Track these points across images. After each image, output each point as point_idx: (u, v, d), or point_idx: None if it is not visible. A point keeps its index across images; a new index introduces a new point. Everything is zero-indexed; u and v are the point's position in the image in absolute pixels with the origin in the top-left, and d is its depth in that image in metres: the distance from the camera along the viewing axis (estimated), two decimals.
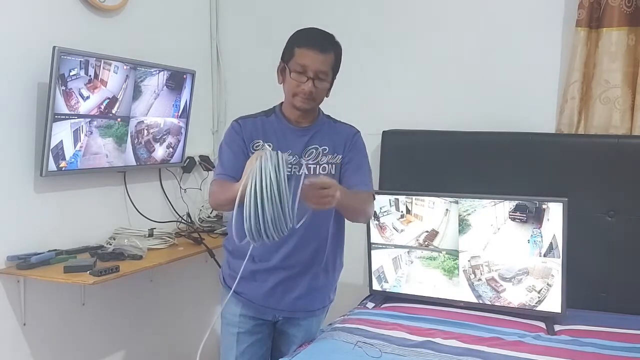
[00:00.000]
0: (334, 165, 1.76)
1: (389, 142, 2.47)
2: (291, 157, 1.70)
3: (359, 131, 1.83)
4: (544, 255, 1.98)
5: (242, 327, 1.80)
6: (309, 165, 1.73)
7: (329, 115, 1.85)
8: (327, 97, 1.75)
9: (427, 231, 2.15)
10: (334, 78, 1.74)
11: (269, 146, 1.72)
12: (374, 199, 1.80)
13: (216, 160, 2.88)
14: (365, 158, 1.82)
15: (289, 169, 1.64)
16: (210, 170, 2.85)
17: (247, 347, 1.80)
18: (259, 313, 1.79)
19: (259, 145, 1.72)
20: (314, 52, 1.65)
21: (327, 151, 1.75)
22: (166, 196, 2.64)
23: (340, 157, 1.77)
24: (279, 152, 1.43)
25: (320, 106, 1.79)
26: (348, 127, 1.83)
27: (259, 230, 1.38)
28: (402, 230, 2.19)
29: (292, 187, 1.45)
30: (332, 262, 1.83)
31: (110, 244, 2.18)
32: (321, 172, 1.74)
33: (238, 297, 1.77)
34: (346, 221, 1.84)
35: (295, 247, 1.72)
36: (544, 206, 1.97)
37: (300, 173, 1.66)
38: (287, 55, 1.69)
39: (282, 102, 1.78)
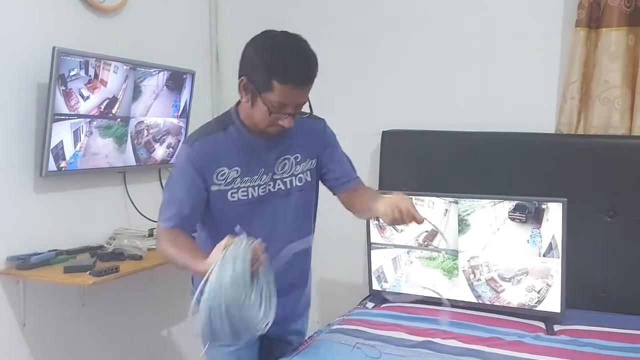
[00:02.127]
0: (309, 172, 1.61)
1: (389, 142, 2.47)
2: (265, 175, 1.54)
3: (324, 121, 1.66)
4: (544, 255, 1.98)
5: (240, 344, 1.59)
6: (284, 179, 1.55)
7: None
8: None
9: (426, 231, 2.15)
10: None
11: (236, 171, 1.49)
12: None
13: None
14: (340, 147, 1.68)
15: (264, 190, 1.53)
16: None
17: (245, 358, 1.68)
18: None
19: (224, 174, 1.48)
20: (297, 89, 1.40)
21: (299, 159, 1.58)
22: None
23: (314, 161, 1.62)
24: (249, 245, 1.28)
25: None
26: (314, 121, 1.61)
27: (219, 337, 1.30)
28: (401, 230, 2.19)
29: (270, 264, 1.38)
30: (308, 276, 1.76)
31: (110, 244, 2.18)
32: (297, 183, 1.58)
33: None
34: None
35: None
36: (543, 206, 1.97)
37: (275, 190, 1.54)
38: (260, 84, 1.39)
39: (239, 107, 1.53)
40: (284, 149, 1.56)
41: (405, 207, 1.43)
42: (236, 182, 1.50)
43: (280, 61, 1.38)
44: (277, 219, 1.57)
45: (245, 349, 1.64)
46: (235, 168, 1.50)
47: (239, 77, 1.44)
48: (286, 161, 1.56)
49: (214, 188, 1.49)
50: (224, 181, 1.49)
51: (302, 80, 1.40)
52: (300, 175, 1.59)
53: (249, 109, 1.45)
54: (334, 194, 1.70)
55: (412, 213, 1.43)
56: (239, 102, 1.53)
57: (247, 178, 1.51)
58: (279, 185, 1.56)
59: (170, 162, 2.58)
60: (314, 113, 1.55)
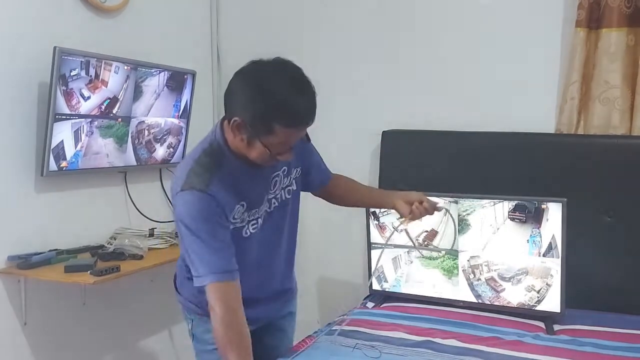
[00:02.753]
0: (294, 180, 1.59)
1: (389, 142, 2.47)
2: (266, 203, 1.52)
3: None
4: (543, 255, 1.98)
5: None
6: (277, 195, 1.54)
7: None
8: None
9: (426, 231, 2.15)
10: None
11: (242, 206, 1.42)
12: None
13: None
14: (315, 149, 1.68)
15: (263, 215, 1.50)
16: None
17: None
18: (251, 324, 1.52)
19: (239, 212, 1.42)
20: (300, 131, 1.36)
21: (286, 172, 1.55)
22: (167, 196, 2.64)
23: (299, 169, 1.60)
24: None
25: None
26: None
27: None
28: (401, 230, 2.19)
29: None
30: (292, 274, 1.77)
31: (111, 244, 2.18)
32: (286, 195, 1.57)
33: None
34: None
35: (271, 275, 1.62)
36: (543, 206, 1.97)
37: (271, 209, 1.52)
38: (259, 128, 1.30)
39: (226, 133, 1.41)
40: (274, 169, 1.52)
41: (426, 203, 1.54)
42: (244, 217, 1.45)
43: (282, 105, 1.28)
44: (282, 232, 1.61)
45: None
46: (242, 203, 1.43)
47: (230, 116, 1.34)
48: (276, 178, 1.53)
49: (231, 227, 1.42)
50: (238, 219, 1.43)
51: (306, 121, 1.33)
52: (289, 187, 1.58)
53: (243, 148, 1.37)
54: (313, 192, 1.76)
55: (432, 204, 1.55)
56: (221, 126, 1.44)
57: (254, 210, 1.47)
58: (274, 203, 1.54)
59: (171, 162, 2.58)
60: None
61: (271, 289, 1.65)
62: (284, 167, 1.54)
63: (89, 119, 2.10)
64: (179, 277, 1.70)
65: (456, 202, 2.09)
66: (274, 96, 1.28)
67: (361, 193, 1.80)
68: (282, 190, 1.56)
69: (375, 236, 2.24)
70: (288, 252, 1.68)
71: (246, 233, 1.46)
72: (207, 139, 1.47)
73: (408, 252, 2.19)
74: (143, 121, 2.36)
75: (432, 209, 1.57)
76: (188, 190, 1.35)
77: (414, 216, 1.58)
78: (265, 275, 1.60)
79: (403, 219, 1.62)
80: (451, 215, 2.09)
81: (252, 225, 1.47)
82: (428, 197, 1.59)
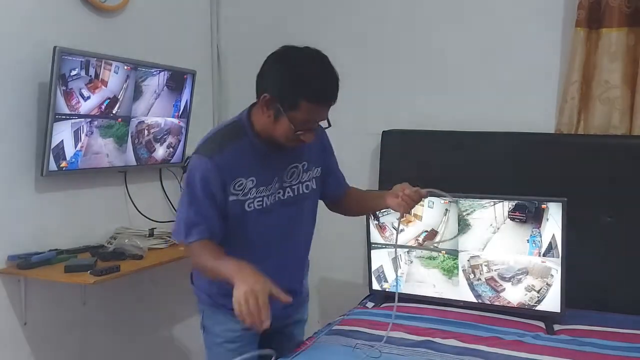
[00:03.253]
0: (314, 180, 1.65)
1: (389, 142, 2.47)
2: (277, 184, 1.56)
3: (323, 128, 1.63)
4: (544, 255, 1.98)
5: (243, 341, 1.66)
6: (293, 186, 1.58)
7: None
8: None
9: (426, 231, 2.15)
10: None
11: (252, 181, 1.49)
12: None
13: None
14: (335, 157, 1.75)
15: (275, 198, 1.55)
16: None
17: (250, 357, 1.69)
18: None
19: (241, 184, 1.49)
20: (324, 107, 1.45)
21: (306, 167, 1.61)
22: (167, 196, 2.64)
23: (320, 169, 1.66)
24: None
25: None
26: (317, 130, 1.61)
27: None
28: (401, 230, 2.19)
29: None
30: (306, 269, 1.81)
31: (111, 244, 2.18)
32: (304, 190, 1.62)
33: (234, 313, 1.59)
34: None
35: (282, 266, 1.60)
36: (543, 206, 1.97)
37: (284, 198, 1.57)
38: (286, 102, 1.40)
39: (253, 115, 1.52)
40: (293, 157, 1.58)
41: (408, 189, 1.56)
42: (252, 192, 1.51)
43: (308, 81, 1.39)
44: (294, 227, 1.63)
45: (247, 345, 1.65)
46: (251, 178, 1.50)
47: (261, 93, 1.44)
48: (294, 169, 1.59)
49: (231, 198, 1.49)
50: (241, 192, 1.49)
51: (330, 98, 1.43)
52: (307, 182, 1.63)
53: (270, 124, 1.45)
54: (326, 203, 1.79)
55: (416, 190, 1.57)
56: (249, 109, 1.54)
57: (262, 188, 1.52)
58: (288, 192, 1.58)
59: (171, 162, 2.58)
60: None
61: (283, 278, 1.57)
62: (304, 162, 1.60)
63: (89, 119, 2.10)
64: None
65: (456, 202, 2.09)
66: (302, 72, 1.40)
67: (365, 200, 1.82)
68: (300, 184, 1.60)
69: (375, 236, 2.24)
70: (301, 252, 1.70)
71: (249, 207, 1.51)
72: (232, 118, 1.57)
73: (408, 252, 2.19)
74: (143, 121, 2.36)
75: (418, 195, 1.57)
76: (197, 155, 1.48)
77: (405, 207, 1.58)
78: (274, 268, 1.52)
79: (402, 217, 1.64)
80: (449, 215, 2.09)
81: (257, 202, 1.52)
82: (409, 186, 1.59)
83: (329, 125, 1.54)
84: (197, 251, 1.48)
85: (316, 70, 1.41)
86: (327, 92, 1.42)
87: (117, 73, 2.17)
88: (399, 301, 2.17)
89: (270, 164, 1.53)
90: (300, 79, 1.39)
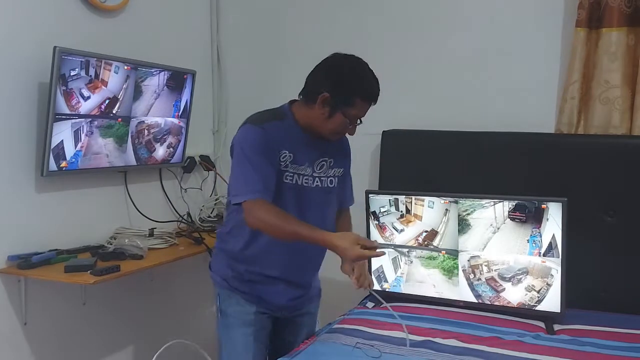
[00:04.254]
0: (337, 178, 1.80)
1: (389, 142, 2.47)
2: (308, 168, 1.71)
3: (347, 139, 1.85)
4: (544, 255, 1.98)
5: (257, 325, 1.77)
6: (321, 178, 1.74)
7: None
8: None
9: (426, 231, 2.15)
10: None
11: (290, 157, 1.65)
12: None
13: (217, 160, 2.91)
14: (349, 166, 1.89)
15: (306, 181, 1.70)
16: (211, 170, 2.85)
17: (262, 343, 1.80)
18: (272, 310, 1.80)
19: (285, 156, 1.64)
20: (370, 104, 1.67)
21: (333, 164, 1.78)
22: (167, 196, 2.64)
23: (342, 170, 1.82)
24: None
25: None
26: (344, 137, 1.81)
27: None
28: (401, 230, 2.19)
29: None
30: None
31: (111, 244, 2.18)
32: (329, 184, 1.77)
33: (247, 297, 1.76)
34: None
35: (296, 261, 1.76)
36: (543, 206, 1.97)
37: (314, 185, 1.71)
38: (344, 99, 1.61)
39: (295, 107, 1.72)
40: (323, 152, 1.74)
41: (358, 270, 1.69)
42: (290, 167, 1.67)
43: (362, 81, 1.64)
44: (323, 213, 1.76)
45: (260, 330, 1.78)
46: (291, 154, 1.66)
47: (317, 92, 1.62)
48: (324, 163, 1.75)
49: (276, 165, 1.65)
50: (283, 162, 1.66)
51: (376, 97, 1.67)
52: (332, 178, 1.78)
53: (323, 119, 1.64)
54: None
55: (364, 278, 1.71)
56: (291, 103, 1.73)
57: (295, 165, 1.68)
58: (317, 182, 1.73)
59: (171, 162, 2.58)
60: None
61: (295, 273, 1.78)
62: (331, 159, 1.76)
63: (89, 119, 2.10)
64: (215, 253, 1.88)
65: (456, 202, 2.09)
66: (357, 75, 1.64)
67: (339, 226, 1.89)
68: (327, 178, 1.76)
69: (375, 236, 2.24)
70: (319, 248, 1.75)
71: (286, 179, 1.67)
72: (274, 107, 1.74)
73: (408, 252, 2.19)
74: (143, 121, 2.36)
75: (365, 281, 1.70)
76: (248, 124, 1.66)
77: (358, 283, 1.70)
78: (295, 254, 1.71)
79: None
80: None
81: (289, 176, 1.67)
82: (361, 267, 1.69)
83: (360, 122, 1.71)
84: (271, 215, 1.56)
85: (367, 72, 1.66)
86: (376, 91, 1.67)
87: (117, 73, 2.17)
88: (398, 301, 2.20)
89: (305, 149, 1.69)
90: (357, 80, 1.63)
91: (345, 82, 1.63)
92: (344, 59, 1.67)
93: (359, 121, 1.69)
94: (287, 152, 1.65)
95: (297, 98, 1.73)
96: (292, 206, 1.67)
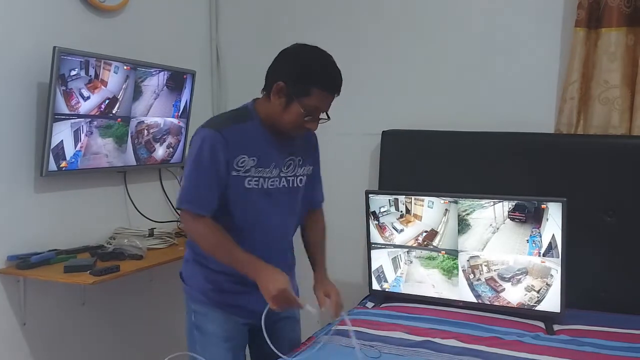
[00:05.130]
0: (305, 177, 1.73)
1: (388, 142, 2.47)
2: (275, 169, 1.63)
3: (315, 135, 1.76)
4: (543, 255, 1.98)
5: (237, 338, 1.71)
6: (289, 178, 1.67)
7: None
8: None
9: (426, 231, 2.15)
10: None
11: (253, 160, 1.57)
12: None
13: None
14: (319, 169, 1.82)
15: (272, 183, 1.63)
16: None
17: (241, 356, 1.75)
18: (254, 318, 1.62)
19: (244, 161, 1.57)
20: (330, 96, 1.57)
21: (301, 162, 1.71)
22: (166, 196, 2.64)
23: (311, 168, 1.75)
24: None
25: None
26: (309, 133, 1.71)
27: None
28: (401, 230, 2.19)
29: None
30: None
31: (110, 244, 2.18)
32: (298, 184, 1.70)
33: (232, 307, 1.67)
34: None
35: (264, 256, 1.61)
36: (543, 206, 1.97)
37: (280, 186, 1.65)
38: (299, 89, 1.52)
39: (258, 104, 1.63)
40: (291, 150, 1.67)
41: (335, 297, 1.66)
42: (252, 171, 1.59)
43: (321, 70, 1.54)
44: (289, 214, 1.70)
45: (241, 342, 1.73)
46: (253, 157, 1.58)
47: (274, 82, 1.54)
48: (291, 162, 1.68)
49: (233, 173, 1.57)
50: (242, 169, 1.58)
51: (337, 88, 1.57)
52: (300, 177, 1.71)
53: (279, 111, 1.56)
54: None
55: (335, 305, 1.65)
56: (255, 100, 1.65)
57: (260, 169, 1.61)
58: (283, 182, 1.66)
59: (171, 162, 2.58)
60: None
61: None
62: (299, 157, 1.69)
63: (89, 119, 2.10)
64: (187, 263, 1.75)
65: (456, 202, 2.09)
66: (314, 63, 1.55)
67: (312, 248, 1.82)
68: (295, 177, 1.69)
69: (375, 236, 2.24)
70: (285, 245, 1.74)
71: (249, 184, 1.60)
72: (236, 108, 1.67)
73: (408, 252, 2.19)
74: (142, 121, 2.36)
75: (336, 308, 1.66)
76: (205, 127, 1.57)
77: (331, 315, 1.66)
78: (261, 253, 1.59)
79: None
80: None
81: (255, 181, 1.60)
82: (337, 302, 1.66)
83: (329, 118, 1.62)
84: (205, 231, 1.56)
85: (327, 62, 1.56)
86: (336, 81, 1.56)
87: (116, 73, 2.17)
88: (399, 301, 2.20)
89: (271, 150, 1.62)
90: (314, 68, 1.54)
91: (301, 69, 1.53)
92: (302, 47, 1.59)
93: (325, 115, 1.59)
94: (246, 157, 1.56)
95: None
96: (257, 211, 1.61)
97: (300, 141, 1.69)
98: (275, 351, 1.57)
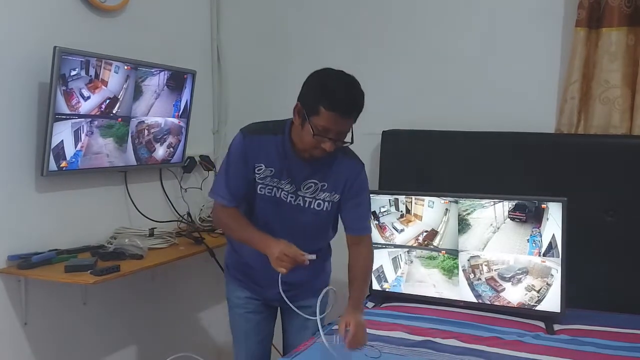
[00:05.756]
0: (330, 203, 1.76)
1: (389, 142, 2.47)
2: (289, 185, 1.71)
3: (363, 166, 1.79)
4: (544, 255, 1.98)
5: (248, 308, 1.91)
6: (306, 198, 1.73)
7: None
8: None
9: (426, 231, 2.15)
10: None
11: (270, 171, 1.69)
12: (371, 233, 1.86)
13: (217, 160, 2.92)
14: (368, 194, 1.82)
15: (285, 196, 1.72)
16: (211, 170, 2.85)
17: (254, 325, 1.93)
18: (263, 298, 1.90)
19: (260, 169, 1.70)
20: (341, 118, 1.56)
21: (325, 187, 1.74)
22: (167, 196, 2.64)
23: (339, 196, 1.75)
24: None
25: None
26: (353, 163, 1.76)
27: None
28: (401, 230, 2.19)
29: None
30: (326, 260, 1.96)
31: (111, 244, 2.18)
32: (316, 207, 1.74)
33: (240, 283, 1.91)
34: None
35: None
36: (543, 206, 1.98)
37: (295, 204, 1.73)
38: (310, 108, 1.56)
39: (292, 127, 1.69)
40: (315, 174, 1.72)
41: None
42: (267, 180, 1.72)
43: (330, 90, 1.56)
44: (302, 235, 1.72)
45: (251, 312, 1.92)
46: (270, 168, 1.70)
47: (297, 102, 1.63)
48: (312, 184, 1.73)
49: (253, 176, 1.73)
50: (259, 175, 1.72)
51: (346, 110, 1.57)
52: (320, 201, 1.75)
53: (299, 131, 1.62)
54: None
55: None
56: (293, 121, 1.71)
57: (276, 180, 1.72)
58: (299, 201, 1.73)
59: (171, 161, 2.58)
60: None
61: (271, 279, 1.72)
62: (324, 183, 1.73)
63: (89, 119, 2.10)
64: (227, 249, 1.99)
65: (456, 202, 2.09)
66: (327, 83, 1.59)
67: (350, 282, 1.81)
68: (314, 200, 1.74)
69: (376, 236, 2.24)
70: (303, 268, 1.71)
71: (260, 190, 1.73)
72: (284, 119, 1.76)
73: (408, 252, 2.19)
74: (143, 121, 2.36)
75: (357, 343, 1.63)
76: (240, 131, 1.74)
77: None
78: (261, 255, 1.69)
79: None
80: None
81: (268, 189, 1.73)
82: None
83: (352, 140, 1.66)
84: (226, 219, 1.76)
85: (340, 84, 1.58)
86: (345, 103, 1.56)
87: (117, 73, 2.17)
88: (399, 301, 2.20)
89: (291, 166, 1.70)
90: (324, 88, 1.57)
91: (313, 89, 1.59)
92: (325, 69, 1.63)
93: (348, 138, 1.62)
94: (263, 166, 1.70)
95: None
96: (264, 215, 1.75)
97: (331, 170, 1.72)
98: (300, 314, 1.72)
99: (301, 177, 1.71)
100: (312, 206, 1.74)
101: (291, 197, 1.73)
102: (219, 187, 1.75)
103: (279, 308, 1.98)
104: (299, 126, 1.61)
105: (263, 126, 1.74)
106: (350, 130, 1.64)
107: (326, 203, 1.75)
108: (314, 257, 1.62)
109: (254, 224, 1.74)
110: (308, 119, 1.57)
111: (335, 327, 1.93)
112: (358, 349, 1.63)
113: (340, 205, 1.78)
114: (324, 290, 1.69)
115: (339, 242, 1.90)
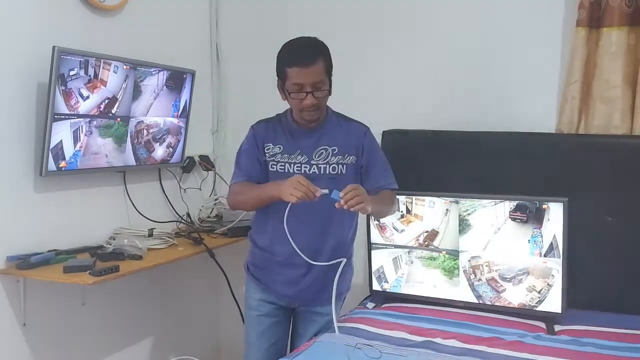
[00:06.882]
0: (344, 166, 1.84)
1: (389, 142, 2.46)
2: (300, 156, 1.82)
3: (368, 128, 1.92)
4: (544, 255, 1.98)
5: (261, 311, 1.96)
6: (320, 165, 1.83)
7: (338, 114, 1.93)
8: (330, 95, 1.83)
9: (427, 231, 2.15)
10: (330, 77, 1.81)
11: (279, 148, 1.84)
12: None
13: (216, 160, 2.91)
14: (380, 153, 1.93)
15: (298, 168, 1.82)
16: (210, 170, 2.85)
17: (266, 328, 1.96)
18: (276, 299, 1.94)
19: (269, 148, 1.85)
20: (304, 69, 1.70)
21: (336, 151, 1.84)
22: (166, 196, 2.63)
23: (352, 157, 1.85)
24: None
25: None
26: (357, 125, 1.91)
27: None
28: (402, 230, 2.19)
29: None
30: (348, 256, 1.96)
31: (110, 244, 2.18)
32: (331, 171, 1.83)
33: (258, 284, 1.96)
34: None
35: (311, 242, 1.82)
36: (544, 206, 1.97)
37: (310, 172, 1.81)
38: (280, 75, 1.76)
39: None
40: (323, 140, 1.84)
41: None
42: (277, 157, 1.85)
43: (286, 51, 1.75)
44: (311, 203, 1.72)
45: (264, 316, 1.95)
46: (279, 145, 1.85)
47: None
48: (323, 150, 1.84)
49: (264, 158, 1.86)
50: (269, 154, 1.86)
51: (304, 60, 1.70)
52: (334, 165, 1.84)
53: (289, 104, 1.80)
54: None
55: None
56: None
57: (286, 155, 1.84)
58: (313, 169, 1.83)
59: (170, 162, 2.58)
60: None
61: (293, 273, 1.86)
62: (334, 147, 1.84)
63: (88, 119, 2.10)
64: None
65: (457, 202, 2.09)
66: (283, 49, 1.78)
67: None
68: (327, 165, 1.84)
69: (376, 236, 2.23)
70: (318, 228, 1.83)
71: (272, 167, 1.86)
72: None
73: (408, 252, 2.18)
74: (142, 121, 2.35)
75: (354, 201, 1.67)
76: (250, 127, 1.92)
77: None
78: (291, 246, 1.73)
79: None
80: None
81: (280, 166, 1.85)
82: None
83: (329, 92, 1.80)
84: (238, 189, 1.86)
85: (293, 42, 1.77)
86: (300, 53, 1.72)
87: (116, 73, 2.16)
88: (399, 301, 2.19)
89: (298, 140, 1.85)
90: (282, 52, 1.76)
91: (277, 61, 1.76)
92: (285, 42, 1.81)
93: (308, 89, 1.72)
94: (271, 145, 1.85)
95: None
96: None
97: (338, 135, 1.85)
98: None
99: (310, 146, 1.83)
100: (327, 171, 1.83)
101: (305, 167, 1.82)
102: (234, 175, 1.90)
103: (292, 317, 2.01)
104: (286, 99, 1.78)
105: (267, 118, 1.93)
106: (328, 81, 1.78)
107: (340, 166, 1.84)
108: (326, 191, 1.65)
109: (271, 207, 1.80)
110: (284, 86, 1.75)
111: (338, 324, 1.93)
112: (358, 206, 1.64)
113: (360, 170, 1.87)
114: (342, 264, 1.71)
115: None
